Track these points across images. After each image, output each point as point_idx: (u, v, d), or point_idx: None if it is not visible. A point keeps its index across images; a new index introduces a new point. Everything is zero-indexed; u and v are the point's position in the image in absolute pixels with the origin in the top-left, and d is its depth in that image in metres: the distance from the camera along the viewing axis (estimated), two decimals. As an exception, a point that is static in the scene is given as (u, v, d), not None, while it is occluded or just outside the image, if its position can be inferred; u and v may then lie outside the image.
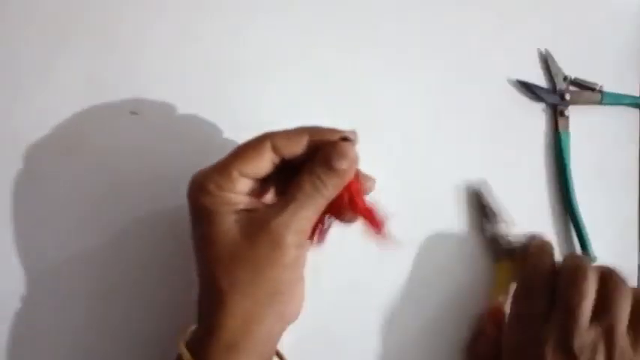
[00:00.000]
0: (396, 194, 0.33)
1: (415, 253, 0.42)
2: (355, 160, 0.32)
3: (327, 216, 0.34)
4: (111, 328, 0.40)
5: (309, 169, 0.32)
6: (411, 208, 0.42)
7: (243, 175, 0.32)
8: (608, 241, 0.44)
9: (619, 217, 0.45)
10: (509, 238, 0.40)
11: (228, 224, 0.31)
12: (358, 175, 0.33)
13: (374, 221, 0.33)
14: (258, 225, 0.31)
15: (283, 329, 0.33)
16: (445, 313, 0.42)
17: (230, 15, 0.44)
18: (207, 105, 0.43)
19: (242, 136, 0.42)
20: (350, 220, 0.34)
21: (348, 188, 0.32)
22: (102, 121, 0.42)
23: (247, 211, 0.32)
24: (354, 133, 0.33)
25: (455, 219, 0.43)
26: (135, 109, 0.42)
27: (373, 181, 0.34)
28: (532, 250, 0.38)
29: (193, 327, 0.33)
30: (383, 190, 0.35)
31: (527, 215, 0.43)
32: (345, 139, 0.32)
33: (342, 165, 0.31)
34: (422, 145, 0.44)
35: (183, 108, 0.42)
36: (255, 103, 0.43)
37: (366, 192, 0.34)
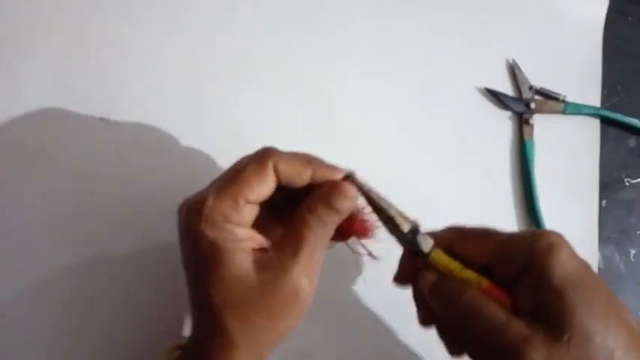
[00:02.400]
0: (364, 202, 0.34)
1: (387, 263, 0.42)
2: (355, 200, 0.32)
3: None
4: (88, 342, 0.39)
5: (312, 207, 0.31)
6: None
7: (250, 201, 0.30)
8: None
9: (580, 222, 0.47)
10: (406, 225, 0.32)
11: (243, 269, 0.29)
12: None
13: (365, 236, 0.34)
14: (276, 273, 0.29)
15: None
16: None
17: (205, 20, 0.44)
18: (181, 111, 0.42)
19: (217, 143, 0.41)
20: (343, 241, 0.34)
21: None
22: (71, 127, 0.41)
23: (258, 251, 0.30)
24: (353, 172, 0.32)
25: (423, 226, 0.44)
26: (105, 115, 0.41)
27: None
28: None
29: (177, 348, 0.33)
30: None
31: (492, 221, 0.43)
32: (346, 177, 0.32)
33: (344, 206, 0.31)
34: (390, 151, 0.45)
35: (155, 114, 0.42)
36: (230, 110, 0.43)
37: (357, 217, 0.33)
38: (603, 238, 0.47)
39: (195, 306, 0.31)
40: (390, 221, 0.32)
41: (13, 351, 0.38)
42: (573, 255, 0.30)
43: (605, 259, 0.47)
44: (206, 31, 0.44)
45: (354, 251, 0.35)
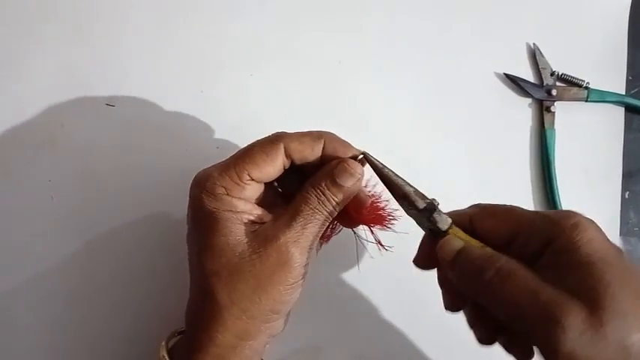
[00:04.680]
0: (382, 189, 0.33)
1: (405, 250, 0.41)
2: (361, 179, 0.32)
3: (335, 222, 0.33)
4: (91, 328, 0.39)
5: (315, 182, 0.31)
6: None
7: (254, 179, 0.31)
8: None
9: (601, 214, 0.45)
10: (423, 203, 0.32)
11: (235, 237, 0.30)
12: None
13: (379, 223, 0.33)
14: (266, 240, 0.30)
15: (268, 342, 0.33)
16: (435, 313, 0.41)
17: (212, 6, 0.43)
18: (186, 97, 0.41)
19: (222, 130, 0.40)
20: (353, 227, 0.34)
21: (353, 199, 0.32)
22: (77, 113, 0.40)
23: (254, 222, 0.31)
24: (365, 153, 0.32)
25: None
26: (111, 100, 0.41)
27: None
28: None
29: (177, 334, 0.33)
30: (369, 186, 0.34)
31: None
32: (355, 157, 0.32)
33: (348, 183, 0.31)
34: (405, 140, 0.44)
35: (161, 100, 0.41)
36: (236, 98, 0.42)
37: (366, 202, 0.33)
38: (625, 231, 0.45)
39: (191, 275, 0.32)
40: (405, 198, 0.32)
41: (17, 336, 0.39)
42: (602, 235, 0.29)
43: (627, 252, 0.45)
44: (213, 16, 0.43)
45: (361, 237, 0.34)
